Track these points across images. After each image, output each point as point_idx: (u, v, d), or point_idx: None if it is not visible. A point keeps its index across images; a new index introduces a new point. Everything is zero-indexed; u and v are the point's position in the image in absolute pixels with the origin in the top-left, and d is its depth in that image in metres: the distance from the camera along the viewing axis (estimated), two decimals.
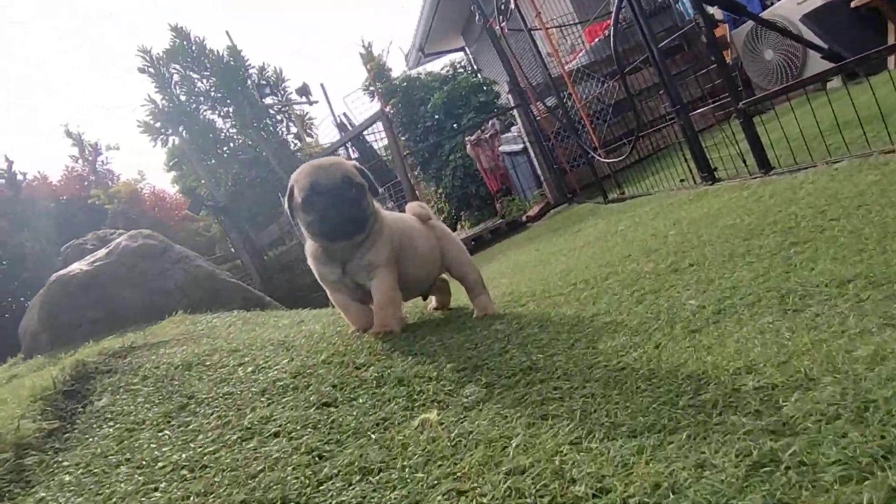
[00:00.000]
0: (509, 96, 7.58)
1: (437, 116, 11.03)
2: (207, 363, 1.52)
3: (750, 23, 7.16)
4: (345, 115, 10.65)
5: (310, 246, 1.89)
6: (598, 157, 5.42)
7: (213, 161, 12.88)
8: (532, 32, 5.59)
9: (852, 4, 5.99)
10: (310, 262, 1.90)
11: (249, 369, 1.44)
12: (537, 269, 3.40)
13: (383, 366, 1.41)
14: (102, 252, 3.08)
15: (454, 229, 10.06)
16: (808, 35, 6.28)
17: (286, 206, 1.82)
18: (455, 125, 10.68)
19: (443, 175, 10.36)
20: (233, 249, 11.25)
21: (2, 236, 10.33)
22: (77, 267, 2.95)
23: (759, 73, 7.34)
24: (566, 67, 6.74)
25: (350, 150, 9.33)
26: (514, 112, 7.59)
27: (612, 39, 3.81)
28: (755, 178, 3.41)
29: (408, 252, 1.98)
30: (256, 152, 12.29)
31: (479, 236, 7.83)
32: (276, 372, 1.39)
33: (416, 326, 1.90)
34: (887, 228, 1.54)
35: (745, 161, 3.59)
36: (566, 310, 1.96)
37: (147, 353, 1.71)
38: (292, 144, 13.18)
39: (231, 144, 13.05)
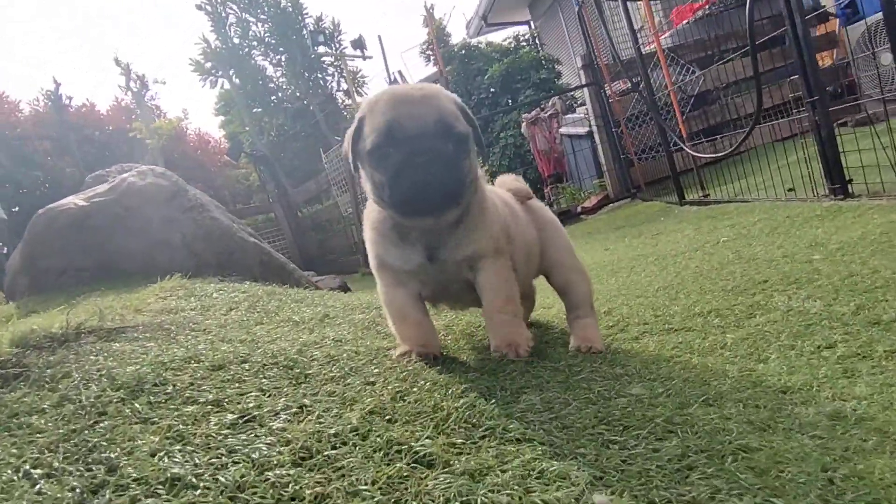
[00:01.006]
0: (581, 72, 6.72)
1: (492, 89, 10.21)
2: (167, 391, 0.91)
3: (869, 18, 6.11)
4: (399, 73, 9.90)
5: (373, 214, 1.28)
6: (687, 149, 4.60)
7: (259, 109, 12.35)
8: (628, 2, 4.73)
9: None
10: (367, 236, 1.30)
11: (227, 419, 0.83)
12: (621, 277, 2.70)
13: (462, 457, 0.75)
14: (104, 187, 2.48)
15: None
16: None
17: (348, 146, 1.20)
18: (510, 101, 9.85)
19: (491, 153, 9.59)
20: (270, 201, 10.78)
21: (43, 158, 10.06)
22: (70, 201, 2.38)
23: (872, 78, 6.30)
24: (653, 47, 5.85)
25: None
26: (585, 91, 6.74)
27: (749, 10, 2.99)
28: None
29: (508, 244, 1.35)
30: (304, 104, 11.70)
31: None
32: (268, 438, 0.77)
33: (482, 363, 1.22)
34: None
35: None
36: (719, 363, 1.28)
37: (90, 346, 1.11)
38: (340, 100, 12.53)
39: (279, 94, 12.47)
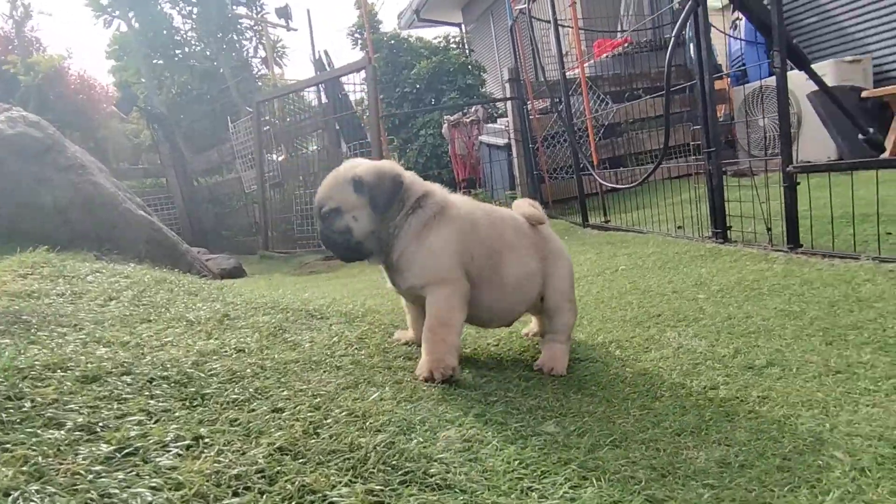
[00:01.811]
0: (506, 85, 6.88)
1: (418, 86, 10.10)
2: (23, 408, 0.72)
3: (754, 84, 6.91)
4: (325, 52, 9.44)
5: None
6: (595, 174, 4.87)
7: (160, 61, 11.16)
8: (559, 25, 4.90)
9: (863, 94, 5.82)
10: None
11: (102, 451, 0.67)
12: None
13: None
14: None
15: None
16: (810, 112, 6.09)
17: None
18: (434, 100, 9.84)
19: (408, 149, 9.51)
20: (161, 163, 9.78)
21: None
22: None
23: (747, 136, 7.14)
24: (575, 73, 6.13)
25: (321, 93, 8.21)
26: (508, 104, 6.91)
27: (668, 55, 3.21)
28: (778, 250, 2.96)
29: (489, 273, 1.51)
30: (214, 66, 10.77)
31: None
32: (153, 479, 0.64)
33: (399, 389, 1.16)
34: None
35: (769, 228, 3.14)
36: (620, 399, 1.34)
37: None
38: (256, 69, 11.71)
39: (186, 49, 11.36)
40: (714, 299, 2.30)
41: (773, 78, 2.91)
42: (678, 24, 3.30)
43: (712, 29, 3.44)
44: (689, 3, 3.13)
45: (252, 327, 1.40)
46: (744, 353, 1.69)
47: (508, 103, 6.93)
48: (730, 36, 7.56)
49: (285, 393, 0.98)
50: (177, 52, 11.18)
